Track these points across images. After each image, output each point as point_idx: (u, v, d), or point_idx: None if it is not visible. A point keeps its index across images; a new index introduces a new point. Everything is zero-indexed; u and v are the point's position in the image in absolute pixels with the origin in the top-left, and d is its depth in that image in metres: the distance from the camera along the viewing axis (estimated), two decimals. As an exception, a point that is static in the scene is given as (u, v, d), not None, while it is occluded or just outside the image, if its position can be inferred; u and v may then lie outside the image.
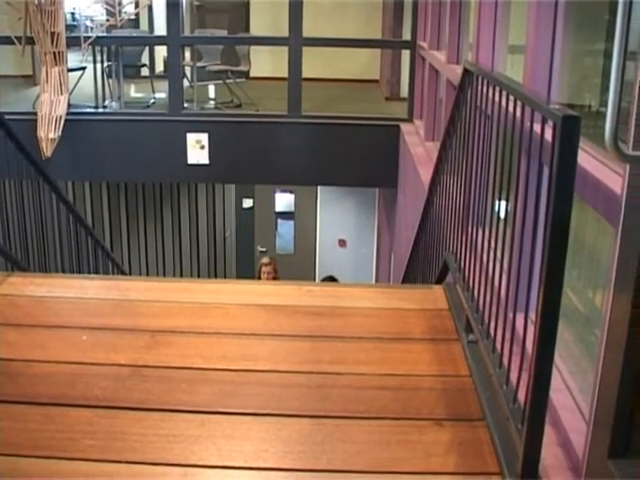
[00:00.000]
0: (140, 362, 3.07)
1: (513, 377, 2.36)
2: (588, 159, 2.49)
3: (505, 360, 2.46)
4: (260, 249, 13.81)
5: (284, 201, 14.02)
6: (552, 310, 2.00)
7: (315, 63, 8.88)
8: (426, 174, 5.44)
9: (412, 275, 5.68)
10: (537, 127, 2.28)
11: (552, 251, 1.97)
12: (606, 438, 1.91)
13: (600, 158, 2.47)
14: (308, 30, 8.25)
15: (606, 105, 1.81)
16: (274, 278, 8.95)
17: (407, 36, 8.69)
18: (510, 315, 2.54)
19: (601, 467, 1.94)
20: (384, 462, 2.43)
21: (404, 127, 8.17)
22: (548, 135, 2.06)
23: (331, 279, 9.71)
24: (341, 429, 2.60)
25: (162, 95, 9.34)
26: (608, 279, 1.94)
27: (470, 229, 3.26)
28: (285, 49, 8.21)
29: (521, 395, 2.21)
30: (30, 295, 3.84)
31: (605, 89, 2.91)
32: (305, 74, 8.26)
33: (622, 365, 1.84)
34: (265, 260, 9.41)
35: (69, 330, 3.42)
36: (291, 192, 13.82)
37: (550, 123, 2.04)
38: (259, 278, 9.00)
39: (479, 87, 3.20)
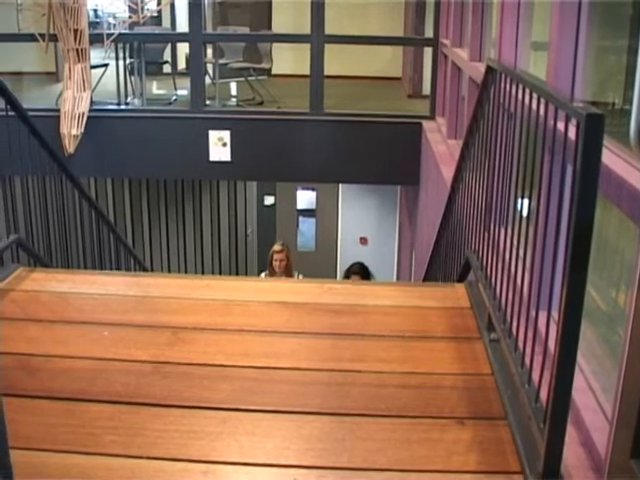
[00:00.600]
0: (162, 359, 3.08)
1: (535, 376, 2.35)
2: (612, 157, 2.47)
3: (527, 359, 2.45)
4: (281, 246, 13.81)
5: (306, 198, 14.03)
6: (575, 309, 1.99)
7: (337, 60, 8.87)
8: (448, 172, 5.42)
9: (433, 273, 5.66)
10: (561, 125, 2.27)
11: (575, 249, 1.95)
12: (629, 437, 1.90)
13: (624, 156, 2.45)
14: (330, 27, 8.25)
15: (630, 102, 1.79)
16: (286, 266, 8.41)
17: (429, 33, 8.67)
18: (532, 314, 2.53)
19: (624, 466, 1.93)
20: (405, 460, 2.42)
21: (426, 125, 8.15)
22: (572, 133, 2.05)
23: (360, 266, 9.19)
24: (362, 427, 2.60)
25: (184, 92, 9.37)
26: (632, 278, 1.92)
27: (492, 227, 3.25)
28: (307, 46, 8.21)
29: (543, 394, 2.20)
30: (52, 291, 3.86)
31: (629, 86, 2.89)
32: (327, 71, 8.26)
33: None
34: (276, 247, 8.61)
35: (91, 326, 3.44)
36: (313, 189, 13.82)
37: (574, 121, 2.03)
38: (270, 266, 8.46)
39: (502, 85, 3.19)
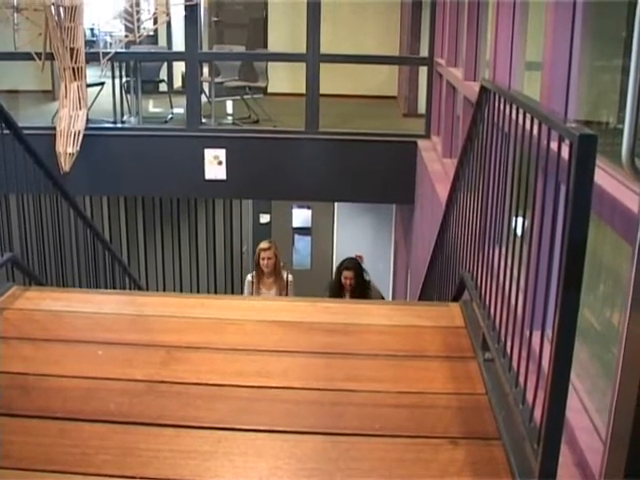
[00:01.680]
0: (156, 378, 3.07)
1: (529, 396, 2.34)
2: (605, 177, 2.48)
3: (521, 379, 2.45)
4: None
5: (301, 217, 14.04)
6: (569, 328, 1.99)
7: (333, 79, 8.90)
8: (443, 191, 5.43)
9: (429, 292, 5.66)
10: (554, 145, 2.27)
11: (568, 269, 1.96)
12: (622, 458, 1.89)
13: (617, 176, 2.46)
14: (326, 46, 8.28)
15: (624, 122, 1.80)
16: (275, 265, 7.80)
17: (424, 52, 8.70)
18: (527, 333, 2.53)
19: (618, 487, 1.92)
20: (399, 480, 2.42)
21: (421, 143, 8.17)
22: (565, 153, 2.05)
23: (354, 261, 8.43)
24: (355, 447, 2.59)
25: (180, 110, 9.38)
26: (625, 297, 1.92)
27: (487, 247, 3.25)
28: (303, 65, 8.23)
29: (537, 414, 2.20)
30: (47, 309, 3.86)
31: (623, 105, 2.91)
32: (322, 90, 8.28)
33: (639, 383, 1.82)
34: (264, 245, 7.91)
35: (85, 345, 3.43)
36: (308, 208, 13.84)
37: (567, 141, 2.03)
38: (258, 266, 7.82)
39: (496, 105, 3.20)
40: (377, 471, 2.45)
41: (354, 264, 8.29)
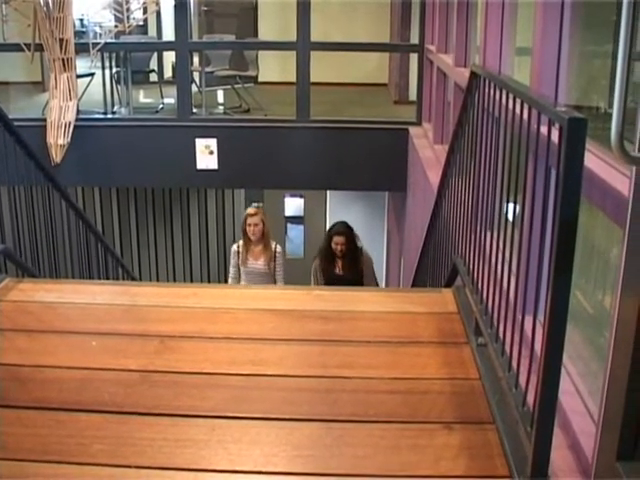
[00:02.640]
0: (150, 367, 3.07)
1: (522, 380, 2.36)
2: (595, 161, 2.48)
3: (514, 363, 2.46)
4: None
5: (294, 205, 14.03)
6: (560, 312, 2.00)
7: (323, 67, 8.89)
8: (435, 177, 5.44)
9: (421, 279, 5.67)
10: (544, 129, 2.28)
11: (559, 253, 1.96)
12: (614, 440, 1.91)
13: (607, 160, 2.47)
14: (316, 34, 8.26)
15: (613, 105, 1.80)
16: (262, 233, 7.42)
17: (415, 39, 8.68)
18: (519, 318, 2.54)
19: (610, 469, 1.94)
20: (393, 466, 2.43)
21: (413, 130, 8.17)
22: (555, 137, 2.06)
23: (345, 225, 7.64)
24: (350, 433, 2.60)
25: (171, 100, 9.37)
26: (616, 280, 1.93)
27: (479, 232, 3.26)
28: (293, 54, 8.22)
29: (530, 398, 2.21)
30: (40, 301, 3.86)
31: (613, 90, 2.91)
32: (313, 78, 8.27)
33: (630, 366, 1.84)
34: (250, 210, 7.50)
35: (79, 336, 3.43)
36: (301, 196, 13.83)
37: (557, 125, 2.04)
38: (244, 233, 7.47)
39: (486, 90, 3.20)
40: (373, 457, 2.46)
41: (345, 229, 7.64)
